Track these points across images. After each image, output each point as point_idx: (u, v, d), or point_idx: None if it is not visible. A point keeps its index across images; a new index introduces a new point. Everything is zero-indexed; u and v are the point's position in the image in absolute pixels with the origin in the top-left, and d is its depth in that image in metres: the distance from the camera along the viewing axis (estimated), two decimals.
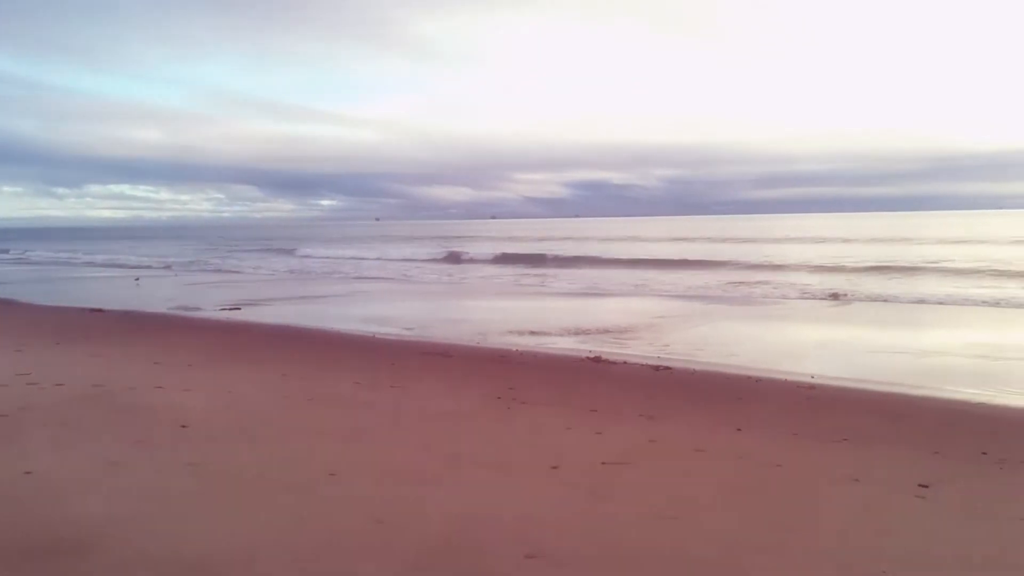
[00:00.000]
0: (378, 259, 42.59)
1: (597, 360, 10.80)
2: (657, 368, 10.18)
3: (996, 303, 18.10)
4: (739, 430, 6.90)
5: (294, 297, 22.30)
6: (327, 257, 45.50)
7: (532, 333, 13.91)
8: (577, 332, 14.04)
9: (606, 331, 14.09)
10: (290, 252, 51.22)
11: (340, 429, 6.86)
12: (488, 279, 29.15)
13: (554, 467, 5.66)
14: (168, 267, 38.92)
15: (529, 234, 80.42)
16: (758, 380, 9.47)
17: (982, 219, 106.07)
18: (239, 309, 18.31)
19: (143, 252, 55.62)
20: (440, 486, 5.25)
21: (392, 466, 5.70)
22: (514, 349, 11.87)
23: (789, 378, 9.55)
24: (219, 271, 35.49)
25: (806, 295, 20.60)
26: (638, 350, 11.91)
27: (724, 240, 55.06)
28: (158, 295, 22.72)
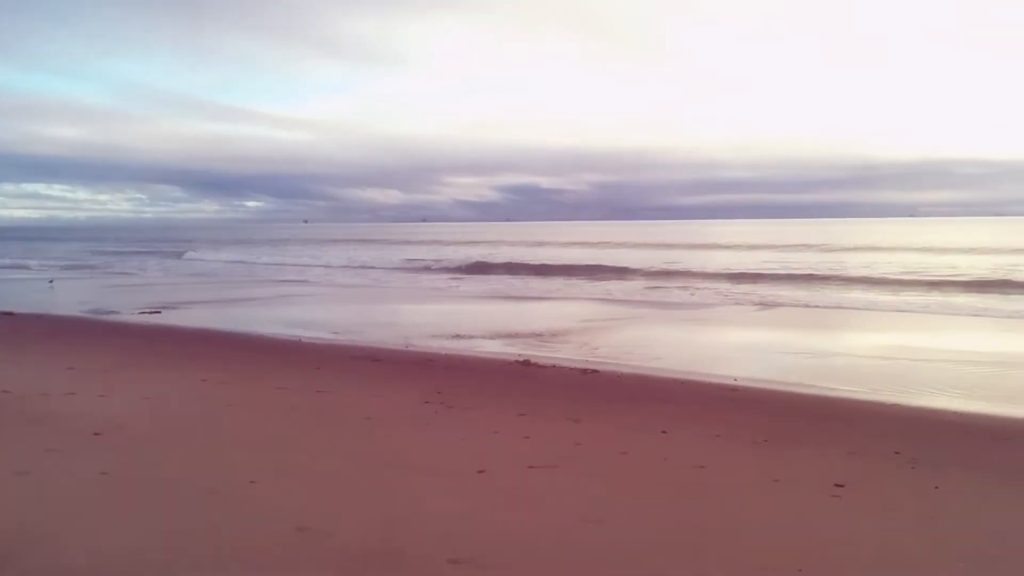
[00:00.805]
0: (278, 264, 41.87)
1: (526, 364, 10.83)
2: (585, 371, 10.25)
3: (911, 308, 18.79)
4: (664, 432, 6.99)
5: (216, 300, 21.76)
6: (215, 260, 44.64)
7: (461, 337, 13.87)
8: (507, 336, 14.05)
9: (536, 335, 14.14)
10: (178, 256, 49.87)
11: (262, 435, 6.71)
12: (417, 282, 28.96)
13: (480, 471, 5.63)
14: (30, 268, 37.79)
15: (460, 237, 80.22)
16: (683, 383, 9.62)
17: (897, 226, 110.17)
18: (159, 312, 17.78)
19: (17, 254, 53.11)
20: (365, 491, 5.17)
21: (315, 472, 5.59)
22: (442, 353, 11.81)
23: (713, 380, 9.73)
24: (123, 274, 34.43)
25: (731, 300, 21.05)
26: (567, 353, 11.98)
27: (652, 245, 55.89)
28: (74, 298, 21.88)
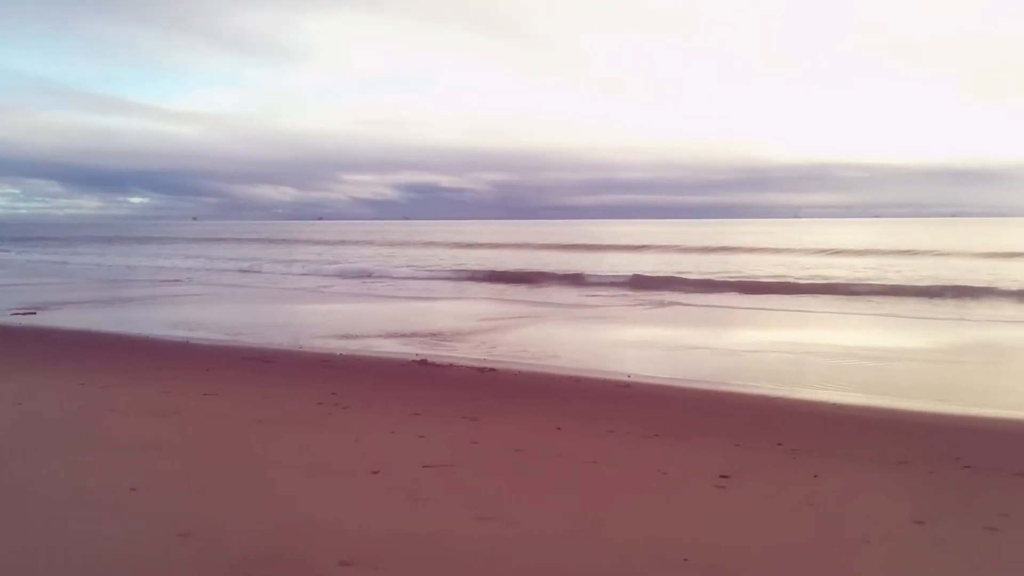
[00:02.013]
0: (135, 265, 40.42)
1: (423, 363, 10.76)
2: (482, 370, 10.27)
3: (796, 308, 19.65)
4: (559, 429, 7.07)
5: (98, 301, 20.75)
6: (97, 258, 42.76)
7: (357, 337, 13.68)
8: (404, 335, 13.93)
9: (433, 334, 14.07)
10: (58, 253, 47.46)
11: (144, 440, 6.43)
12: (311, 281, 28.37)
13: (375, 472, 5.57)
14: None
15: (359, 237, 79.05)
16: (579, 380, 9.75)
17: (782, 227, 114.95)
18: (34, 313, 16.82)
19: None
20: (254, 496, 5.03)
21: (201, 477, 5.41)
22: (338, 353, 11.61)
23: (608, 378, 9.90)
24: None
25: (627, 299, 21.50)
26: (464, 352, 11.98)
27: (551, 245, 56.48)
28: None
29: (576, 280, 27.44)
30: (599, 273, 30.74)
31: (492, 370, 10.27)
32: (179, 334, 13.64)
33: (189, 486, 5.20)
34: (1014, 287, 21.61)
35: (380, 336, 13.85)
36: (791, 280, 26.72)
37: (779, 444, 6.57)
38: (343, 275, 31.15)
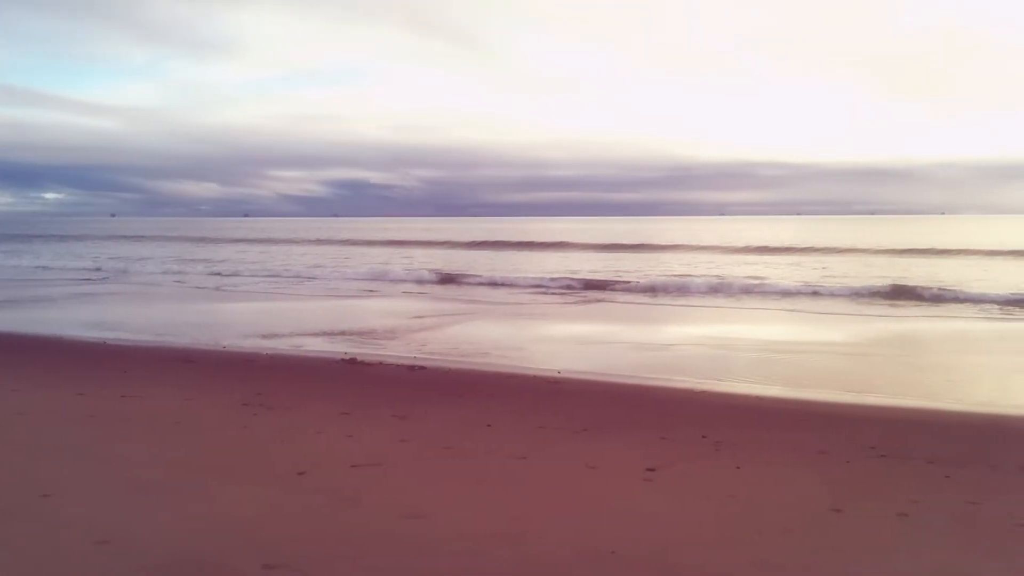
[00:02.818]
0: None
1: (351, 362, 10.63)
2: (412, 368, 10.20)
3: (724, 304, 20.08)
4: (489, 426, 7.07)
5: (6, 301, 19.89)
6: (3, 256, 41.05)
7: (284, 336, 13.44)
8: (332, 334, 13.75)
9: (363, 332, 13.92)
10: None
11: (57, 444, 6.19)
12: (236, 282, 27.76)
13: (300, 473, 5.47)
14: None
15: (285, 234, 77.61)
16: (509, 376, 9.78)
17: (708, 224, 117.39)
18: None
19: None
20: (174, 500, 4.88)
21: (117, 481, 5.22)
22: (263, 353, 11.38)
23: (538, 374, 9.95)
24: None
25: (558, 296, 21.65)
26: (394, 351, 11.88)
27: (481, 242, 56.45)
28: None
29: (507, 277, 27.48)
30: (530, 270, 30.89)
31: (422, 368, 10.21)
32: (95, 335, 13.17)
33: (105, 491, 5.02)
34: (924, 283, 22.50)
35: (308, 335, 13.64)
36: (715, 276, 27.29)
37: (704, 437, 6.70)
38: (268, 273, 30.53)
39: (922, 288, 20.93)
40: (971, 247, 39.66)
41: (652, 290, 22.95)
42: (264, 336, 13.33)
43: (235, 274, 30.31)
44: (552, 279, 25.98)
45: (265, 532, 4.35)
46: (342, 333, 13.83)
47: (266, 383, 9.01)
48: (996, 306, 18.13)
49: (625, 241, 53.44)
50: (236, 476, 5.44)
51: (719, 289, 22.88)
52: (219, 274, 30.27)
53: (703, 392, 8.99)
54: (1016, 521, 4.72)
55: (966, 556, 4.17)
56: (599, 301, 20.33)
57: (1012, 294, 19.46)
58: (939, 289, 20.58)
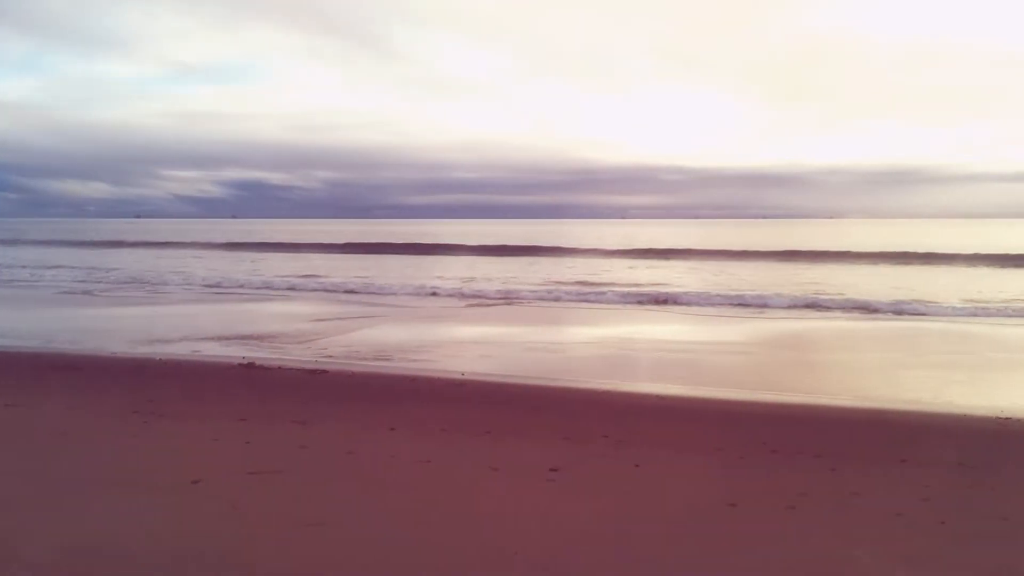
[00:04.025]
0: None
1: (250, 366, 10.34)
2: (314, 372, 10.01)
3: (626, 304, 20.47)
4: (392, 429, 7.00)
5: None
6: None
7: (179, 340, 12.97)
8: (231, 338, 13.35)
9: (262, 336, 13.58)
10: None
11: None
12: (130, 285, 26.61)
13: (195, 481, 5.29)
14: None
15: (180, 236, 74.89)
16: (413, 379, 9.71)
17: (610, 227, 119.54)
18: None
19: None
20: (54, 514, 4.64)
21: None
22: (156, 358, 10.95)
23: (442, 376, 9.92)
24: None
25: (462, 298, 21.63)
26: (295, 354, 11.63)
27: (383, 244, 55.85)
28: None
29: (411, 280, 27.29)
30: (433, 273, 30.78)
31: (324, 372, 10.03)
32: None
33: None
34: (816, 285, 23.52)
35: (204, 339, 13.20)
36: (617, 280, 27.82)
37: (605, 436, 6.81)
38: (163, 276, 29.40)
39: (810, 290, 21.83)
40: (857, 249, 41.67)
41: (553, 292, 23.20)
42: (156, 341, 12.83)
43: (129, 278, 29.05)
44: (455, 281, 25.93)
45: (155, 544, 4.18)
46: (240, 337, 13.45)
47: (158, 389, 8.68)
48: (878, 307, 19.09)
49: (526, 243, 53.84)
50: (125, 487, 5.21)
51: (620, 291, 23.31)
52: (109, 277, 28.95)
53: (605, 392, 9.15)
54: (894, 511, 4.98)
55: (848, 544, 4.37)
56: (502, 303, 20.42)
57: (893, 300, 20.53)
58: (831, 293, 21.52)
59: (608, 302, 20.75)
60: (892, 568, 4.06)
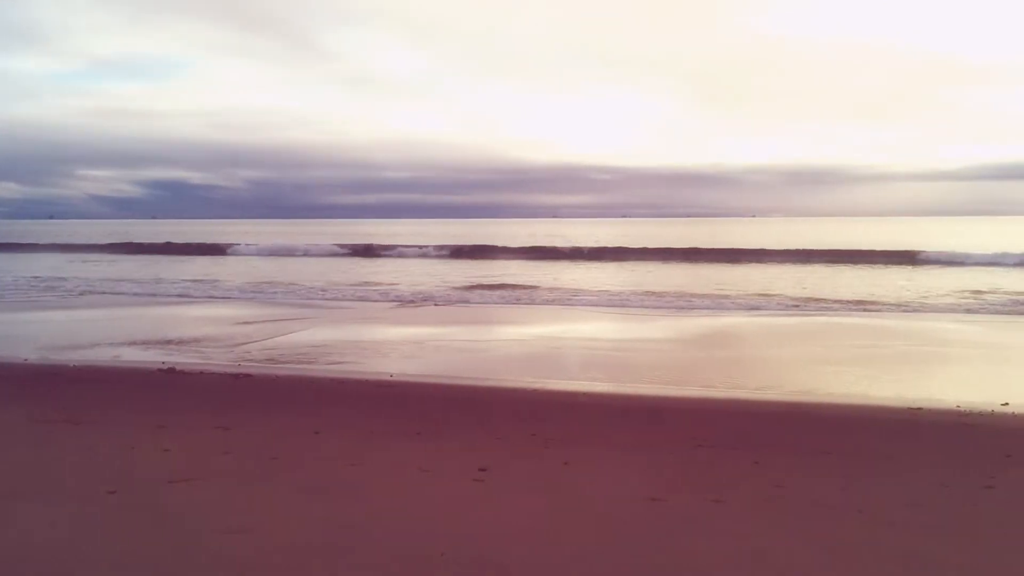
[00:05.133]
0: None
1: (170, 371, 10.04)
2: (237, 376, 9.77)
3: (554, 302, 20.60)
4: (317, 433, 6.87)
5: None
6: None
7: (94, 346, 12.52)
8: (150, 343, 12.94)
9: (183, 341, 13.20)
10: None
11: None
12: (41, 289, 25.56)
13: (111, 492, 5.09)
14: None
15: (101, 238, 72.27)
16: (341, 381, 9.57)
17: (541, 226, 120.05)
18: None
19: None
20: None
21: None
22: (70, 364, 10.54)
23: (370, 378, 9.80)
24: None
25: (390, 298, 21.43)
26: (218, 359, 11.35)
27: (310, 246, 54.97)
28: None
29: (340, 281, 26.95)
30: (362, 274, 30.46)
31: (247, 376, 9.80)
32: None
33: None
34: (736, 282, 24.08)
35: (122, 344, 12.77)
36: (545, 280, 28.00)
37: (534, 435, 6.82)
38: (77, 279, 28.33)
39: (733, 287, 22.34)
40: (773, 247, 42.81)
41: (484, 291, 23.21)
42: (70, 347, 12.35)
43: (37, 282, 27.90)
44: (385, 281, 25.71)
45: (65, 557, 4.01)
46: (160, 342, 13.05)
47: (72, 397, 8.37)
48: (798, 302, 19.65)
49: (457, 243, 53.69)
50: (32, 499, 4.97)
51: (549, 290, 23.46)
52: (8, 287, 27.76)
53: (534, 391, 9.18)
54: (816, 502, 5.11)
55: (773, 536, 4.47)
56: (430, 303, 20.32)
57: (805, 296, 21.16)
58: (749, 290, 22.06)
59: (535, 302, 20.84)
60: (813, 557, 4.16)
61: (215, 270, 32.59)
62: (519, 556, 4.12)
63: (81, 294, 22.74)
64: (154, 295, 22.47)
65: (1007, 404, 8.28)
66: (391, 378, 9.71)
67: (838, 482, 5.55)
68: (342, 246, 51.37)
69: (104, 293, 23.07)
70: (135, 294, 22.81)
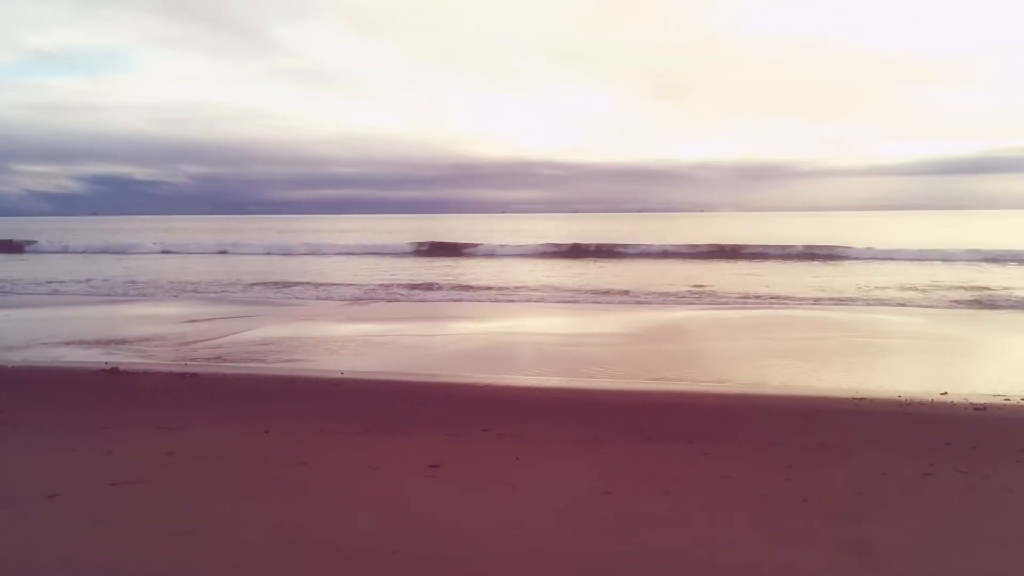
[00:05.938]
0: None
1: (113, 371, 9.79)
2: (183, 375, 9.58)
3: (502, 299, 20.61)
4: (266, 432, 6.77)
5: None
6: None
7: (32, 346, 12.16)
8: (93, 343, 12.61)
9: (126, 340, 12.89)
10: None
11: None
12: None
13: (51, 496, 4.95)
14: None
15: (32, 235, 70.26)
16: (290, 380, 9.44)
17: (492, 222, 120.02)
18: None
19: None
20: None
21: None
22: (8, 366, 10.22)
23: (320, 376, 9.70)
24: None
25: (338, 296, 21.22)
26: (163, 358, 11.11)
27: (258, 244, 54.18)
28: None
29: (289, 279, 26.59)
30: (313, 271, 30.11)
31: (194, 375, 9.61)
32: None
33: None
34: (687, 278, 24.38)
35: (64, 344, 12.42)
36: (500, 277, 28.01)
37: (485, 430, 6.82)
38: (19, 277, 27.50)
39: (684, 283, 22.60)
40: (721, 242, 43.47)
41: (435, 289, 23.14)
42: (8, 348, 11.98)
43: None
44: (336, 279, 25.44)
45: (8, 563, 3.89)
46: (104, 342, 12.73)
47: (7, 399, 8.10)
48: (744, 297, 19.98)
49: (410, 239, 53.42)
50: None
51: (505, 287, 23.47)
52: None
53: (485, 386, 9.16)
54: (762, 491, 5.20)
55: (720, 526, 4.54)
56: (381, 300, 20.17)
57: (744, 294, 21.51)
58: (693, 285, 22.34)
59: (484, 299, 20.83)
60: (761, 545, 4.24)
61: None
62: (474, 551, 4.12)
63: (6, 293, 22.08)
64: (90, 293, 21.93)
65: (946, 393, 8.52)
66: (341, 375, 9.61)
67: (784, 472, 5.65)
68: (297, 243, 50.68)
69: (33, 294, 22.42)
70: (72, 293, 22.22)
